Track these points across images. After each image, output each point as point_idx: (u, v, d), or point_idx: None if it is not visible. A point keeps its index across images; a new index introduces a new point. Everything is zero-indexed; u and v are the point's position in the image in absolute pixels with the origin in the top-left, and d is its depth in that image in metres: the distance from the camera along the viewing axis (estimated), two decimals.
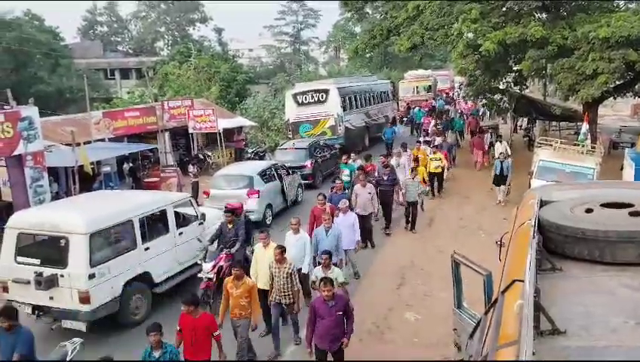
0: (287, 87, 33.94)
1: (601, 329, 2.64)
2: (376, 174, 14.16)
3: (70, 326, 8.40)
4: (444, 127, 24.47)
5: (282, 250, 7.97)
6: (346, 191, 12.82)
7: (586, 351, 2.48)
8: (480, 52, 17.41)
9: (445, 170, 17.18)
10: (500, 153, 16.78)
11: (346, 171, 15.08)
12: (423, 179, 15.73)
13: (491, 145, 20.20)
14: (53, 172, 15.99)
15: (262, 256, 8.51)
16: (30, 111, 13.67)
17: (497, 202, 15.97)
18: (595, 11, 17.66)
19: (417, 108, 31.90)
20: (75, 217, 8.55)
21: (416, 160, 15.82)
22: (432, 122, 25.17)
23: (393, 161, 15.54)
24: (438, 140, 20.20)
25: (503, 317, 2.90)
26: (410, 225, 13.92)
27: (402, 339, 8.51)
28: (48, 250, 8.78)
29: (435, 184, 17.14)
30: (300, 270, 8.76)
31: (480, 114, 30.74)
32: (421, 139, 21.85)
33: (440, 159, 16.74)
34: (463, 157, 22.37)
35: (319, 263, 7.99)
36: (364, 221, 11.87)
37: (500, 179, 15.89)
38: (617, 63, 14.84)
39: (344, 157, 16.24)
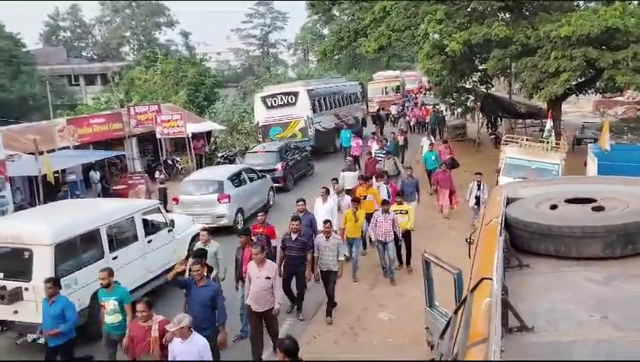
0: (256, 90, 33.80)
1: (568, 324, 2.67)
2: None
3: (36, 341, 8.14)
4: (389, 152, 17.12)
5: None
6: (209, 279, 7.34)
7: (553, 346, 2.51)
8: (446, 52, 17.64)
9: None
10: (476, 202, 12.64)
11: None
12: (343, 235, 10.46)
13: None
14: (17, 182, 15.58)
15: None
16: None
17: None
18: (556, 11, 18.08)
19: (382, 109, 31.97)
20: (39, 228, 8.30)
21: (356, 200, 10.89)
22: (374, 146, 18.30)
23: (321, 206, 11.09)
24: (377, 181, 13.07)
25: (473, 315, 2.91)
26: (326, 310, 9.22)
27: (376, 340, 8.52)
28: (12, 262, 8.47)
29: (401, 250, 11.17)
30: None
31: (436, 122, 27.33)
32: (344, 174, 14.53)
33: (407, 212, 11.04)
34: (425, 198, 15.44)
35: None
36: (265, 318, 7.73)
37: None
38: (579, 61, 15.21)
39: (179, 265, 7.30)
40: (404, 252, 11.18)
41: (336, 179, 12.91)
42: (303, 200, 10.57)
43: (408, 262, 11.10)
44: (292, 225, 8.99)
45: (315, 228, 9.99)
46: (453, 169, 15.81)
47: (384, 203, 10.73)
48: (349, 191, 12.80)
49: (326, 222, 9.28)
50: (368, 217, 11.26)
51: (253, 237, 8.97)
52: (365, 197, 11.71)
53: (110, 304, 7.24)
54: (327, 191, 11.48)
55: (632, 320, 2.63)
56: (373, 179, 13.18)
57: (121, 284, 7.67)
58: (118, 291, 7.35)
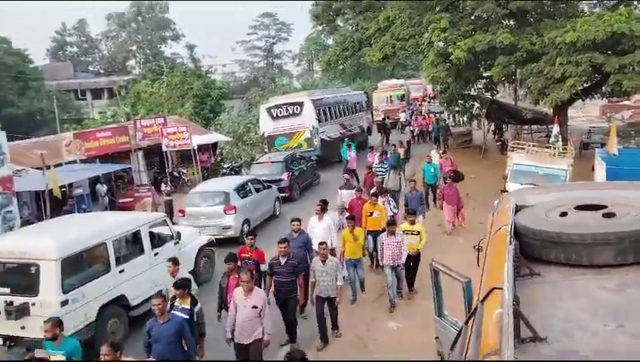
0: (261, 100, 33.90)
1: (582, 334, 2.60)
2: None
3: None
4: (392, 166, 16.39)
5: None
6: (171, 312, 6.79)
7: (568, 357, 2.44)
8: (451, 60, 17.63)
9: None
10: None
11: None
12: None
13: None
14: (24, 196, 15.65)
15: None
16: None
17: None
18: (560, 16, 18.06)
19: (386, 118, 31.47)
20: (46, 243, 8.30)
21: (352, 218, 10.21)
22: (375, 159, 17.47)
23: (317, 224, 10.32)
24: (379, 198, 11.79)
25: (484, 325, 2.85)
26: (323, 339, 8.52)
27: (386, 350, 8.42)
28: (18, 277, 8.48)
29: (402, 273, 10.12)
30: None
31: (442, 127, 26.47)
32: (342, 192, 13.74)
33: (419, 233, 10.07)
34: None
35: None
36: (250, 351, 7.09)
37: None
38: (584, 66, 15.15)
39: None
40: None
41: (323, 201, 11.21)
42: (299, 220, 9.73)
43: (411, 285, 10.26)
44: (279, 247, 8.24)
45: (309, 250, 9.38)
46: (458, 182, 14.89)
47: (389, 224, 9.90)
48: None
49: (322, 243, 8.57)
50: (375, 235, 10.60)
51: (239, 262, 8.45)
52: (372, 214, 11.04)
53: (57, 359, 6.18)
54: (323, 209, 10.61)
55: None
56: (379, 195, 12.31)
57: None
58: (68, 345, 6.34)
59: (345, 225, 10.32)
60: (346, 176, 15.56)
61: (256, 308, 6.94)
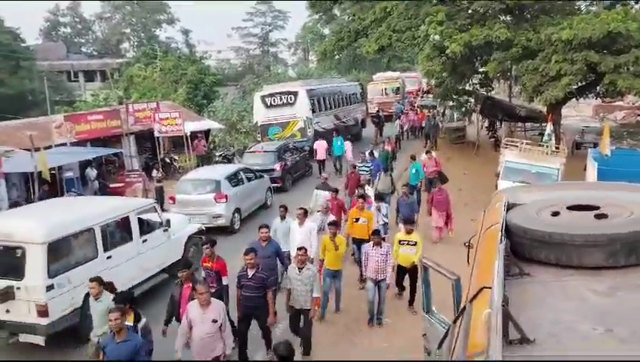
0: (255, 89, 33.70)
1: (570, 336, 2.58)
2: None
3: (28, 341, 8.04)
4: (379, 167, 15.15)
5: None
6: (131, 330, 6.05)
7: (555, 360, 2.41)
8: (446, 54, 17.57)
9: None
10: None
11: None
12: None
13: None
14: (13, 178, 15.48)
15: None
16: None
17: None
18: (557, 14, 18.01)
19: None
20: (32, 226, 8.19)
21: (334, 224, 9.21)
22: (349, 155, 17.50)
23: (298, 229, 9.45)
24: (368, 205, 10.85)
25: (472, 325, 2.82)
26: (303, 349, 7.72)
27: (373, 343, 8.42)
28: (4, 260, 8.36)
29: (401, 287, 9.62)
30: None
31: (432, 124, 25.74)
32: (318, 193, 12.47)
33: (415, 244, 9.01)
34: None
35: None
36: None
37: None
38: (579, 65, 15.13)
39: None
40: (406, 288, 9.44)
41: (284, 207, 10.27)
42: (267, 227, 8.89)
43: (412, 302, 9.26)
44: (246, 259, 7.38)
45: (282, 259, 8.85)
46: (443, 184, 13.63)
47: (375, 233, 8.92)
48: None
49: (300, 248, 7.75)
50: (359, 244, 9.78)
51: (202, 272, 7.99)
52: (357, 220, 10.11)
53: None
54: (305, 213, 9.77)
55: (638, 333, 2.53)
56: (372, 199, 11.54)
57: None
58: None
59: (326, 229, 9.45)
60: (324, 175, 14.72)
61: (216, 321, 6.26)
